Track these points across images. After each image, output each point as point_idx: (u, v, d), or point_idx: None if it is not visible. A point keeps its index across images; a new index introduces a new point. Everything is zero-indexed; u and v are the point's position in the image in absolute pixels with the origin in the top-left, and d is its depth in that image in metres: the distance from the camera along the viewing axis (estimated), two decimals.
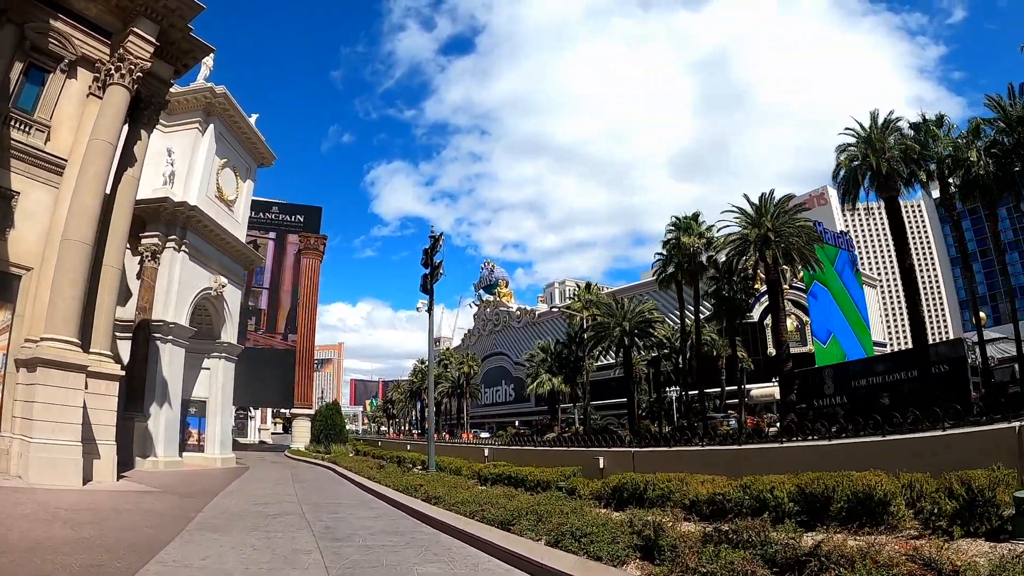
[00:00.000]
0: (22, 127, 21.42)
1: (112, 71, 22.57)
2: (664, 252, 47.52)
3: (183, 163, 35.46)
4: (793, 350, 68.11)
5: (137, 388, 30.07)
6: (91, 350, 20.95)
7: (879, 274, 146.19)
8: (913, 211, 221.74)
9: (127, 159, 24.08)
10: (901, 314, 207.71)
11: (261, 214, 69.04)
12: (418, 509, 15.30)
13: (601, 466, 18.99)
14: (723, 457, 15.69)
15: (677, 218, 46.26)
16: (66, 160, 21.93)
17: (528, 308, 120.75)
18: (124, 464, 27.55)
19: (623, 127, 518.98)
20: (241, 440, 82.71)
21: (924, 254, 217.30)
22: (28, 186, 21.23)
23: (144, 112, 24.97)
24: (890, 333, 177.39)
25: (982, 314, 77.00)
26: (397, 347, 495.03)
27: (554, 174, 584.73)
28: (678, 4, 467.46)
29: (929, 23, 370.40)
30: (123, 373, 21.65)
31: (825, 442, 14.20)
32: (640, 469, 16.57)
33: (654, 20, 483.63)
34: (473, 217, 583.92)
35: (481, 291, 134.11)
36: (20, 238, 20.65)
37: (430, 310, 27.49)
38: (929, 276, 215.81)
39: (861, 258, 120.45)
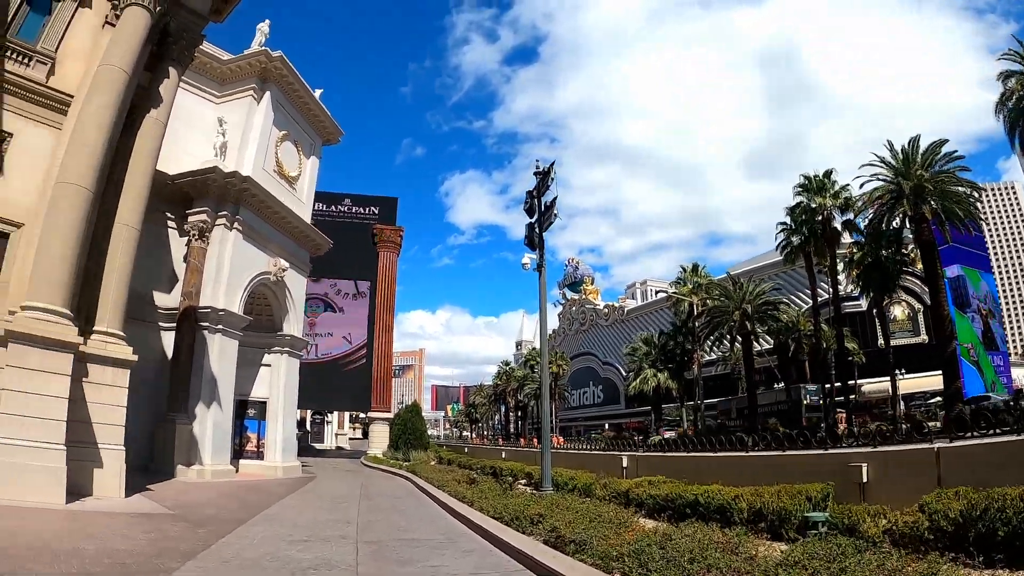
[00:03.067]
0: (20, 58, 17.46)
1: None
2: (789, 221, 40.57)
3: (236, 133, 31.25)
4: (903, 341, 60.02)
5: (180, 385, 25.77)
6: (95, 328, 16.45)
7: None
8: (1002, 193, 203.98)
9: (151, 99, 19.64)
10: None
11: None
12: (551, 567, 8.97)
13: (864, 479, 12.23)
14: None
15: (807, 177, 39.15)
16: (72, 97, 17.63)
17: (616, 305, 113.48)
18: (162, 473, 23.48)
19: (691, 128, 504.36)
20: (317, 446, 79.16)
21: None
22: (24, 126, 17.18)
23: (174, 47, 20.57)
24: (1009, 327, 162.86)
25: None
26: (476, 353, 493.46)
27: (626, 178, 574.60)
28: (734, 1, 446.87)
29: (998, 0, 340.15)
30: (135, 359, 16.97)
31: None
32: (950, 482, 9.84)
33: (713, 17, 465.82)
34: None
35: (566, 289, 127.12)
36: (10, 188, 16.53)
37: (540, 267, 20.92)
38: None
39: None
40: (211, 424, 26.30)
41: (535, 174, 21.15)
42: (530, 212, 21.31)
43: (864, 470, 12.12)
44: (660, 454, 23.25)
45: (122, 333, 17.18)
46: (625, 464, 22.58)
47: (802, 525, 10.59)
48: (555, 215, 20.25)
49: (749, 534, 10.01)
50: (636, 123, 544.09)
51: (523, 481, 25.73)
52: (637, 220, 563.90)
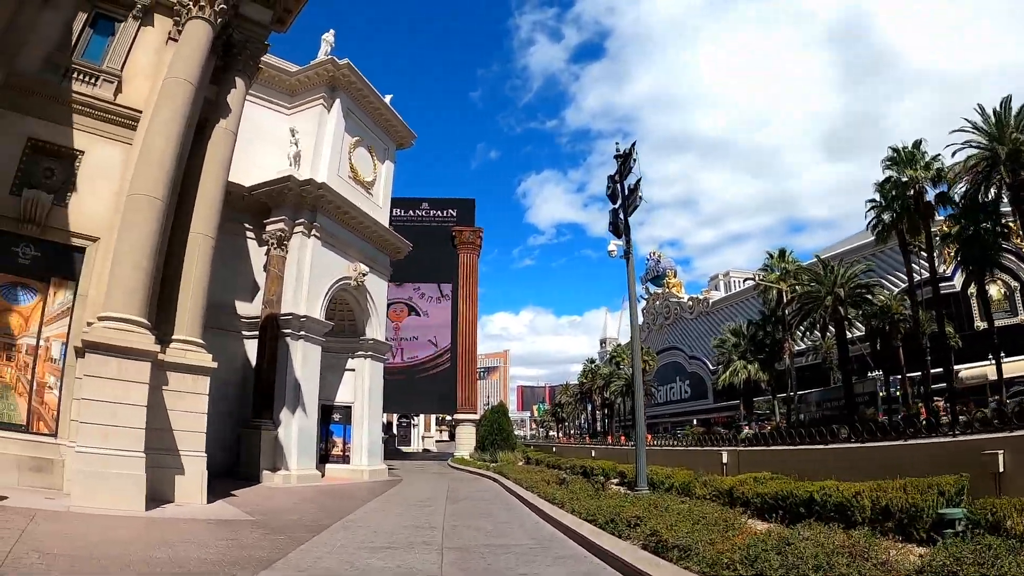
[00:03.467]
0: (87, 79, 17.78)
1: (191, 6, 18.45)
2: (879, 197, 37.86)
3: (309, 142, 31.49)
4: (1000, 322, 54.79)
5: (265, 392, 26.15)
6: (174, 337, 16.60)
7: None
8: None
9: (219, 111, 19.83)
10: None
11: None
12: None
13: (1000, 469, 10.86)
14: None
15: (895, 149, 36.37)
16: (140, 112, 17.90)
17: (700, 297, 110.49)
18: (248, 478, 23.91)
19: (766, 111, 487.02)
20: (404, 449, 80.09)
21: None
22: (94, 143, 17.50)
23: (239, 58, 20.74)
24: None
25: None
26: (561, 353, 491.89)
27: (703, 168, 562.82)
28: None
29: None
30: (215, 366, 17.10)
31: None
32: None
33: None
34: None
35: (649, 284, 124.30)
36: (84, 203, 16.88)
37: (627, 253, 19.92)
38: None
39: None
40: (296, 429, 26.57)
41: (615, 157, 20.37)
42: (613, 198, 20.50)
43: (1000, 458, 10.74)
44: (762, 448, 21.81)
45: (201, 341, 17.32)
46: (725, 460, 21.43)
47: (936, 523, 9.48)
48: (640, 197, 19.25)
49: (876, 535, 8.94)
50: (709, 111, 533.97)
51: (615, 480, 24.88)
52: (716, 210, 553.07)
